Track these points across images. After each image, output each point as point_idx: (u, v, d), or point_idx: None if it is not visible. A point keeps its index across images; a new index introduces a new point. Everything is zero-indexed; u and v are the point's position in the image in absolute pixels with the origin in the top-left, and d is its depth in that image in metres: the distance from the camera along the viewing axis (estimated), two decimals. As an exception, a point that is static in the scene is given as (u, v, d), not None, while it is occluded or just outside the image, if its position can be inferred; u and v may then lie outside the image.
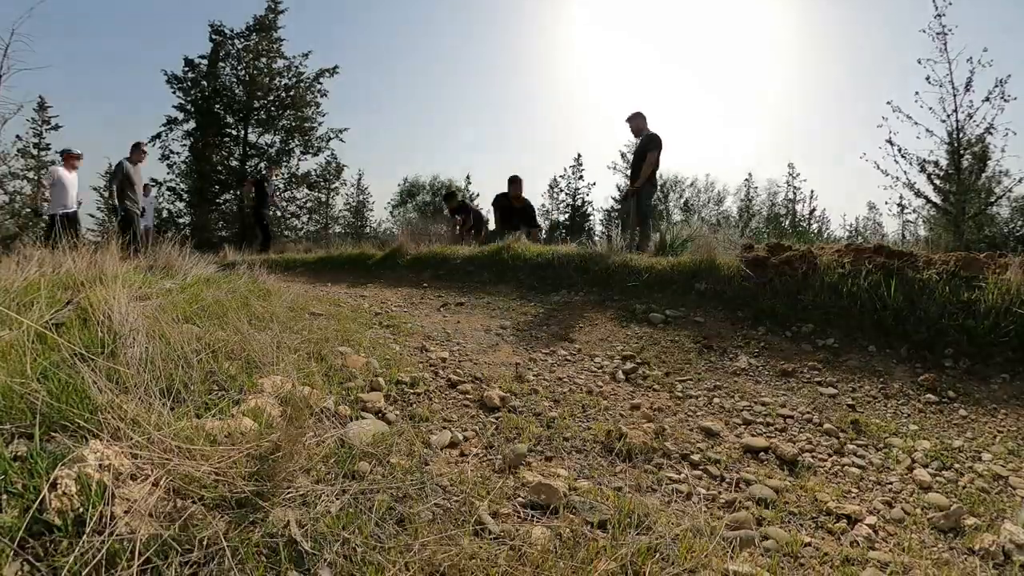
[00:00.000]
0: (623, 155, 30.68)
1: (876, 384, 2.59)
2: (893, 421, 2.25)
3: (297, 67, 20.54)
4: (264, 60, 20.31)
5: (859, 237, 25.36)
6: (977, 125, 9.78)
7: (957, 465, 1.90)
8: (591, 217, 30.72)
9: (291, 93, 20.31)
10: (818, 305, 3.27)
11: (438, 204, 29.79)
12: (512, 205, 7.24)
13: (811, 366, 2.78)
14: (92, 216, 23.39)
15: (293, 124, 20.51)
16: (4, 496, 0.90)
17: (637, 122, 5.99)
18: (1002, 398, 2.44)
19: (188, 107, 19.99)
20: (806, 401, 2.43)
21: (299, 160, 20.91)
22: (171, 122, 19.98)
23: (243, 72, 20.18)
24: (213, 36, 19.98)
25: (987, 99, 9.52)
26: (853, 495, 1.67)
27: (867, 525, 1.48)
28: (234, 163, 20.39)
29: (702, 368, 2.79)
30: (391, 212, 30.69)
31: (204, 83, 20.00)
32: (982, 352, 2.74)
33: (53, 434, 1.10)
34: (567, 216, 30.45)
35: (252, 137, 20.35)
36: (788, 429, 2.15)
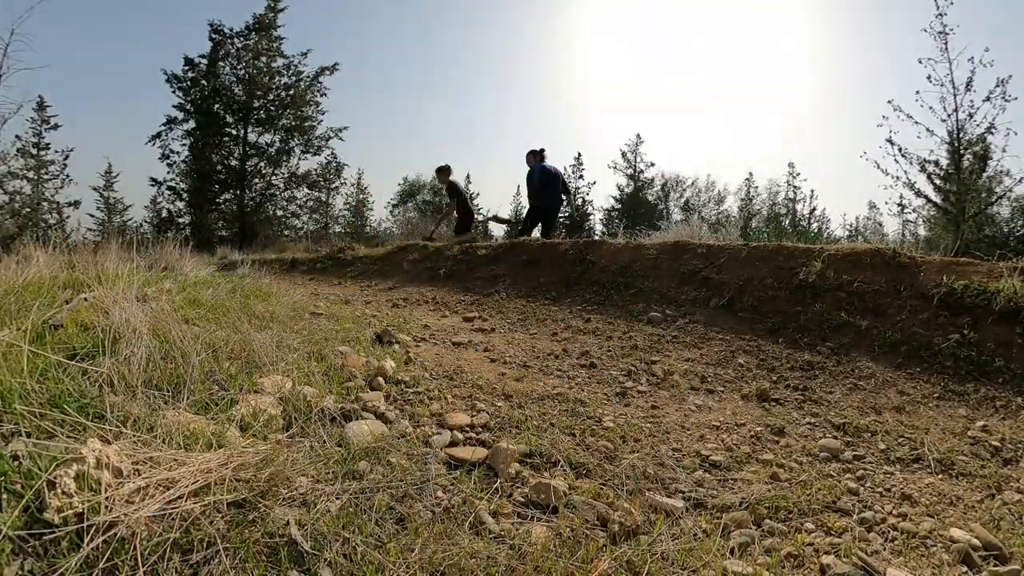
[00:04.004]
0: (624, 155, 30.76)
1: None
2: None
3: (297, 66, 20.53)
4: (264, 59, 20.29)
5: (859, 237, 25.39)
6: (978, 125, 9.79)
7: None
8: (591, 216, 30.79)
9: (291, 92, 20.29)
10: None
11: (437, 204, 29.82)
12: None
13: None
14: (92, 216, 23.40)
15: (293, 123, 20.48)
16: (4, 495, 0.90)
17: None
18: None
19: (188, 107, 19.97)
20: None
21: (299, 160, 20.90)
22: (171, 122, 19.97)
23: (243, 71, 20.16)
24: (213, 35, 19.97)
25: (988, 99, 9.52)
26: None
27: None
28: (234, 163, 20.37)
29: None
30: (391, 212, 30.72)
31: (204, 82, 19.98)
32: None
33: (52, 433, 1.09)
34: (567, 215, 30.50)
35: (252, 136, 20.33)
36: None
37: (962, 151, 10.00)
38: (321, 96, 20.74)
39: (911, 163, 10.24)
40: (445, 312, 3.89)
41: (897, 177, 10.29)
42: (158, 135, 19.93)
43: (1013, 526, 1.48)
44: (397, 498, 1.26)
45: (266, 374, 1.78)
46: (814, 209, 29.02)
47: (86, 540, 0.89)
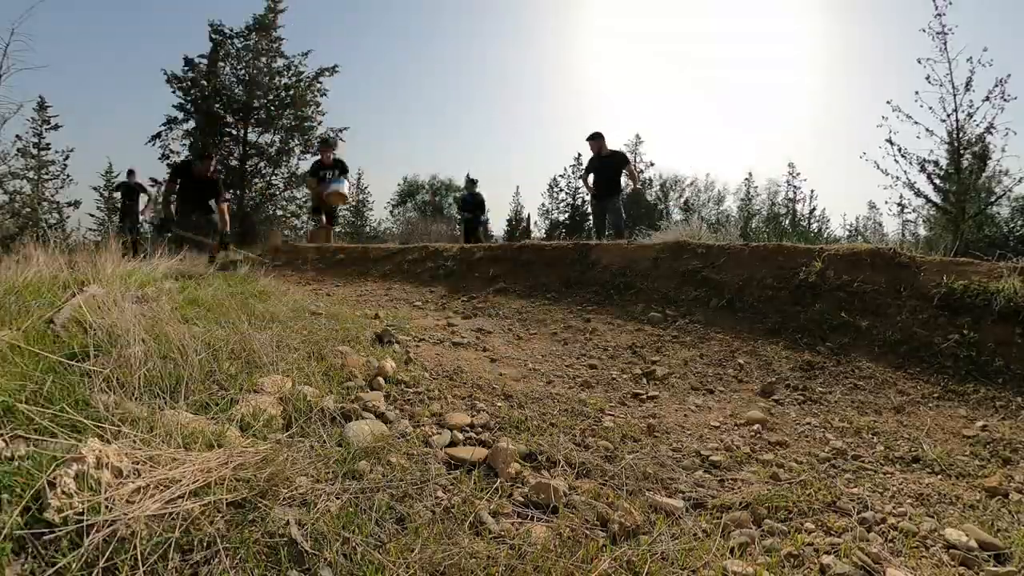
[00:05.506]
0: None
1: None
2: None
3: (297, 66, 20.50)
4: (264, 59, 20.27)
5: (859, 237, 25.39)
6: (977, 125, 9.77)
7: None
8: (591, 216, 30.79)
9: (291, 92, 20.27)
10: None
11: (437, 203, 29.83)
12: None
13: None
14: (92, 216, 23.38)
15: (293, 123, 20.45)
16: (4, 495, 0.90)
17: (599, 142, 6.83)
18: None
19: (188, 107, 19.95)
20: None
21: (299, 160, 20.88)
22: (171, 122, 19.94)
23: (243, 71, 20.14)
24: (213, 35, 19.94)
25: (987, 99, 9.51)
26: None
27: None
28: (234, 163, 20.34)
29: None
30: (391, 212, 30.71)
31: (204, 82, 19.96)
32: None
33: (53, 433, 1.09)
34: (567, 216, 30.51)
35: (252, 136, 20.31)
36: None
37: (962, 151, 9.98)
38: (321, 96, 20.72)
39: (911, 163, 10.21)
40: (445, 312, 3.89)
41: (897, 177, 10.27)
42: (158, 135, 19.89)
43: (1012, 526, 1.48)
44: (397, 498, 1.26)
45: (266, 374, 1.78)
46: (814, 209, 29.01)
47: (86, 540, 0.89)
